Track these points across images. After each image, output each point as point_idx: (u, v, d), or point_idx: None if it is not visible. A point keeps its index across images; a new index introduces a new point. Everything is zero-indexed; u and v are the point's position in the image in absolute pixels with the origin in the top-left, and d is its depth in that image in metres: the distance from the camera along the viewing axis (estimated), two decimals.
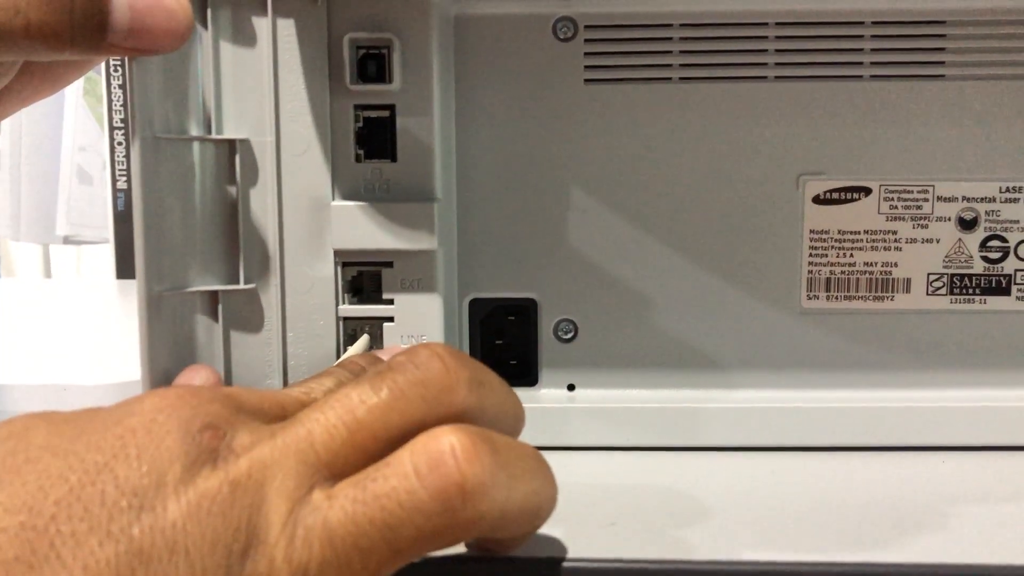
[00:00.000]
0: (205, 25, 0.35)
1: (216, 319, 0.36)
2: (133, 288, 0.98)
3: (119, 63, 1.19)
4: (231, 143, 0.35)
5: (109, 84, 1.20)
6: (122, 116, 1.20)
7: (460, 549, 0.30)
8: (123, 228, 1.22)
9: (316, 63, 0.37)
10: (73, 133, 1.25)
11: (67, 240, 1.29)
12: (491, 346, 0.41)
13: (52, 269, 1.38)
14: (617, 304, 0.40)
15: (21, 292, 0.98)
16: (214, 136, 0.35)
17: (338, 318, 0.38)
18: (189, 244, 0.35)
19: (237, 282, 0.36)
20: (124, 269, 1.22)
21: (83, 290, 1.05)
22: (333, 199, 0.37)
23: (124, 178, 1.21)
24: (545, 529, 0.31)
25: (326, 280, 0.38)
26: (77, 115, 1.25)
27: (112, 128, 1.21)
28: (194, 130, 0.35)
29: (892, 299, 0.40)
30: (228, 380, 0.36)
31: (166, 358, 0.34)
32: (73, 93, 1.24)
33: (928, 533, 0.31)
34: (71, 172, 1.26)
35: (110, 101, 1.20)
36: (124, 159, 1.21)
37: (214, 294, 0.36)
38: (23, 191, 1.26)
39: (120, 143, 1.21)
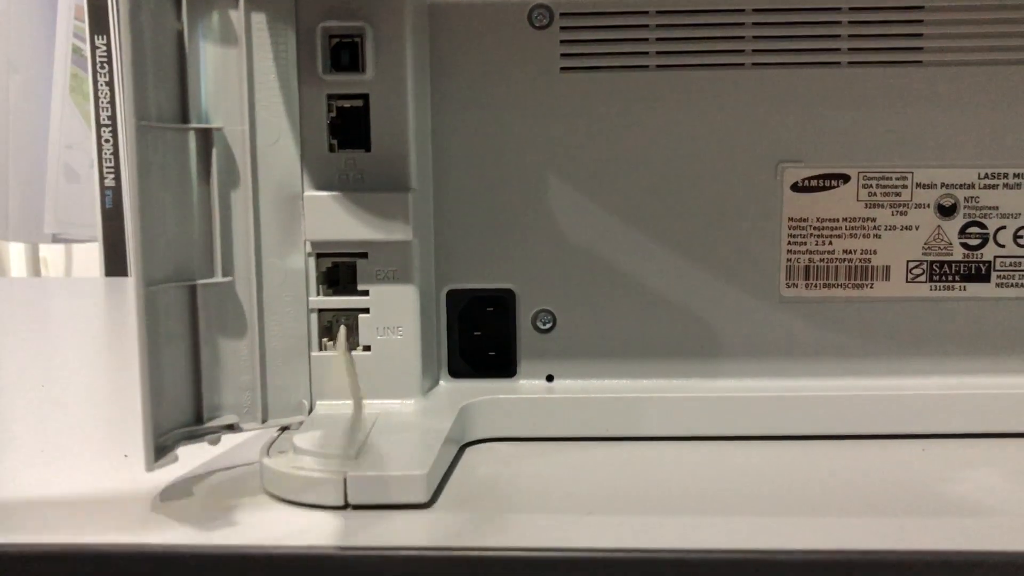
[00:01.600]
0: (180, 15, 0.34)
1: (195, 313, 0.35)
2: (121, 286, 0.98)
3: (106, 60, 1.19)
4: (207, 132, 0.35)
5: (96, 82, 1.20)
6: (109, 114, 1.20)
7: (452, 542, 0.30)
8: (111, 226, 1.22)
9: (288, 52, 0.36)
10: (60, 131, 1.25)
11: (55, 238, 1.28)
12: (469, 337, 0.41)
13: (40, 267, 1.37)
14: (595, 294, 0.40)
15: (10, 290, 0.98)
16: (194, 125, 0.35)
17: (310, 310, 0.38)
18: (174, 236, 0.34)
19: (213, 275, 0.36)
20: (112, 266, 1.22)
21: (72, 288, 1.04)
22: (306, 189, 0.37)
23: (112, 175, 1.21)
24: (521, 519, 0.31)
25: (299, 272, 0.38)
26: (64, 113, 1.24)
27: (99, 126, 1.21)
28: (173, 120, 0.34)
29: (871, 287, 0.40)
30: (198, 378, 0.35)
31: (160, 355, 0.34)
32: (60, 91, 1.24)
33: (908, 520, 0.31)
34: (58, 170, 1.25)
35: (97, 99, 1.20)
36: (111, 156, 1.21)
37: (192, 287, 0.35)
38: (10, 190, 1.25)
39: (108, 140, 1.20)
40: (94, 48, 1.19)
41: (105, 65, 1.19)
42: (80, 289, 1.00)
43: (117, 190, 1.21)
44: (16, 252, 1.40)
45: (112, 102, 1.20)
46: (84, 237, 1.26)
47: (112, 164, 1.21)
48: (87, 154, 1.24)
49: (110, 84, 1.19)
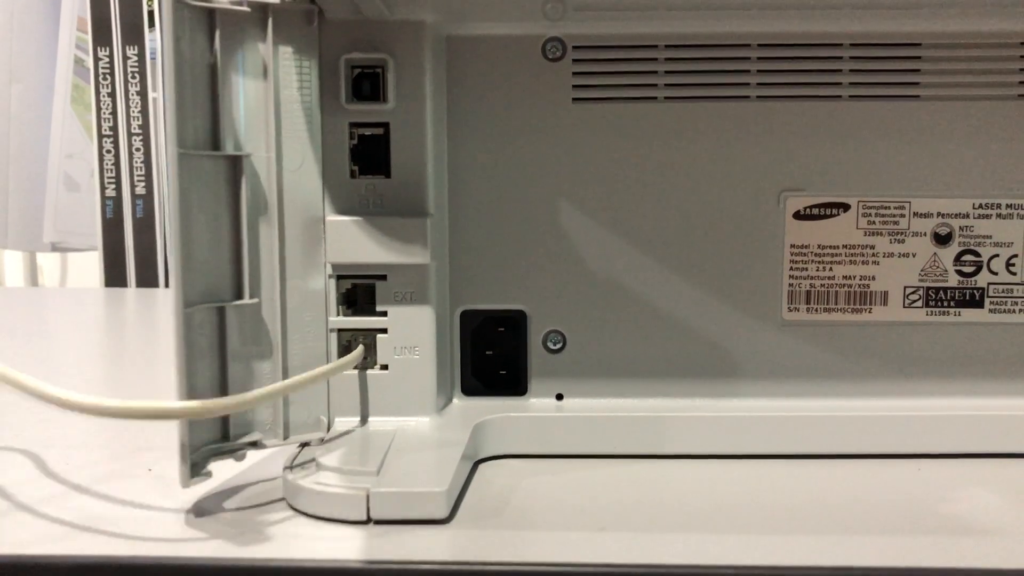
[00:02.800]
0: (212, 48, 0.36)
1: (223, 332, 0.36)
2: (121, 296, 0.98)
3: (108, 71, 1.20)
4: (237, 159, 0.36)
5: (98, 92, 1.21)
6: (111, 124, 1.21)
7: (472, 557, 0.31)
8: (111, 236, 1.23)
9: (312, 82, 0.38)
10: (60, 141, 1.26)
11: (55, 247, 1.29)
12: (481, 357, 0.42)
13: (39, 276, 1.38)
14: (605, 316, 0.42)
15: (8, 299, 0.98)
16: (226, 152, 0.36)
17: (329, 330, 0.39)
18: (207, 259, 0.36)
19: (242, 296, 0.37)
20: (112, 277, 1.23)
21: (70, 298, 1.05)
22: (328, 214, 0.39)
23: (112, 186, 1.22)
24: (536, 535, 0.33)
25: (320, 293, 0.39)
26: (64, 123, 1.26)
27: (101, 136, 1.22)
28: (207, 147, 0.36)
29: (870, 311, 0.41)
30: (225, 396, 0.37)
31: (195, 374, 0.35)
32: (61, 101, 1.25)
33: (905, 538, 0.32)
34: (58, 179, 1.26)
35: (99, 109, 1.21)
36: (112, 167, 1.22)
37: (221, 308, 0.36)
38: (10, 198, 1.26)
39: (109, 151, 1.21)
40: (96, 59, 1.20)
41: (107, 76, 1.20)
42: (82, 299, 1.01)
43: (118, 200, 1.22)
44: (12, 261, 1.41)
45: (114, 113, 1.21)
46: (83, 246, 1.27)
47: (113, 175, 1.21)
48: (87, 164, 1.25)
49: (112, 95, 1.20)
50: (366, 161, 0.39)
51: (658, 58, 0.40)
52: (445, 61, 0.40)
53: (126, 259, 1.22)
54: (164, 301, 0.95)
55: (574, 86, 0.41)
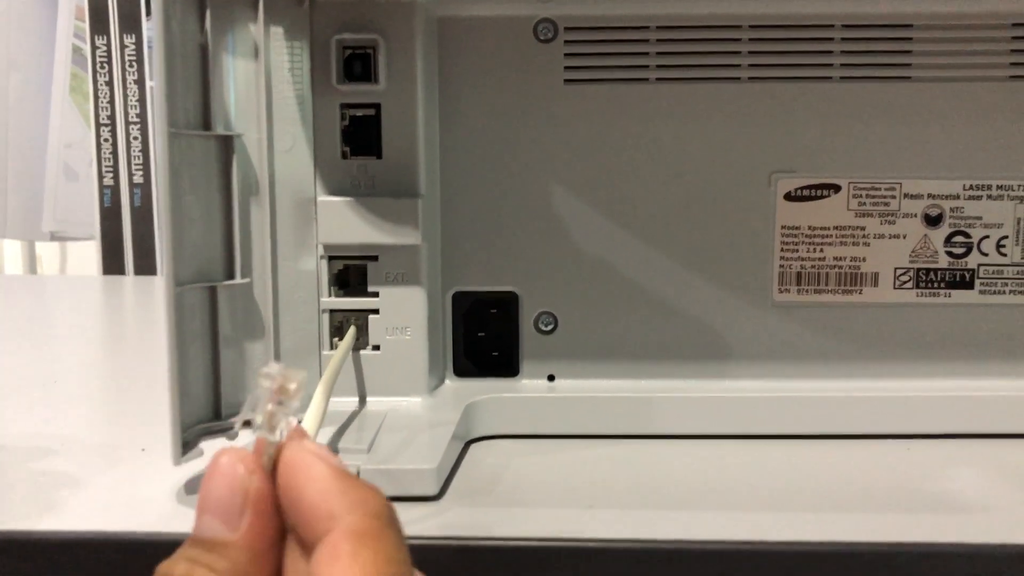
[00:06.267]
0: (203, 28, 0.36)
1: (215, 313, 0.36)
2: (119, 284, 0.98)
3: (105, 60, 1.20)
4: (228, 139, 0.36)
5: (96, 81, 1.21)
6: (109, 113, 1.21)
7: (460, 532, 0.31)
8: (109, 224, 1.23)
9: (303, 63, 0.38)
10: (59, 130, 1.26)
11: (54, 236, 1.29)
12: (473, 338, 0.42)
13: (38, 265, 1.38)
14: (596, 297, 0.42)
15: (8, 287, 0.98)
16: (216, 132, 0.36)
17: (321, 310, 0.39)
18: (199, 238, 0.36)
19: (233, 276, 0.37)
20: (109, 265, 1.23)
21: (69, 286, 1.05)
22: (320, 194, 0.39)
23: (110, 174, 1.22)
24: (525, 512, 0.33)
25: (311, 273, 0.39)
26: (63, 112, 1.26)
27: (99, 125, 1.22)
28: (198, 127, 0.36)
29: (860, 292, 0.41)
30: (217, 375, 0.37)
31: (185, 353, 0.35)
32: (59, 90, 1.25)
33: (893, 515, 0.33)
34: (57, 169, 1.27)
35: (96, 98, 1.21)
36: (110, 156, 1.22)
37: (212, 288, 0.36)
38: (9, 188, 1.26)
39: (107, 140, 1.21)
40: (94, 48, 1.20)
41: (105, 65, 1.20)
42: (80, 287, 1.01)
43: (116, 189, 1.22)
44: (12, 249, 1.41)
45: (111, 102, 1.21)
46: (82, 235, 1.27)
47: (111, 163, 1.22)
48: (86, 153, 1.25)
49: (110, 84, 1.20)
50: (357, 142, 0.39)
51: (650, 39, 0.40)
52: (437, 42, 0.40)
53: (124, 247, 1.22)
54: (162, 289, 0.95)
55: (566, 67, 0.41)
